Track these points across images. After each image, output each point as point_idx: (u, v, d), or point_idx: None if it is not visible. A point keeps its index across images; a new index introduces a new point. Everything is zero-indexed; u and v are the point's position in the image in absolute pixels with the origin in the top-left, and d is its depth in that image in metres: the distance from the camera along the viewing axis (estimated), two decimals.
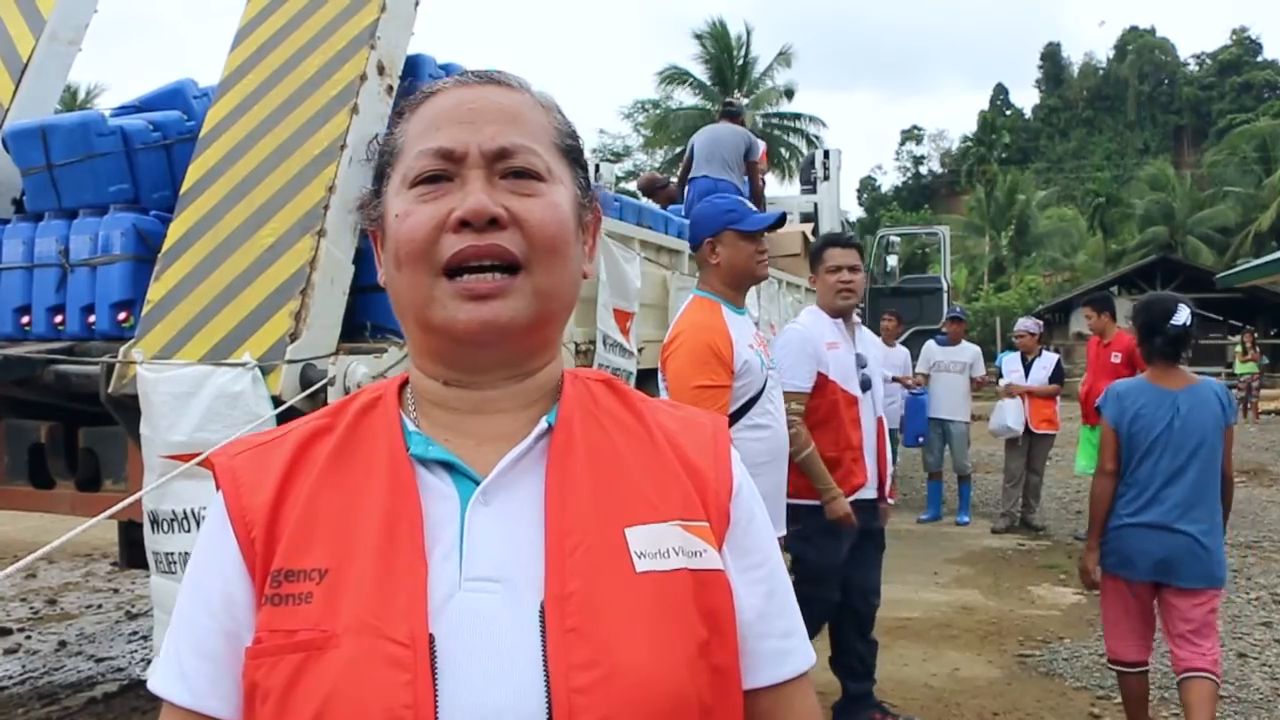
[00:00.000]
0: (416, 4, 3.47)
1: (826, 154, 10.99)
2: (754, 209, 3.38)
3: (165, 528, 2.87)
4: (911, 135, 68.59)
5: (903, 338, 9.58)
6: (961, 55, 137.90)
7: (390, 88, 3.29)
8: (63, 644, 5.16)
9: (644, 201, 7.44)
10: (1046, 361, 8.18)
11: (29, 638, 5.29)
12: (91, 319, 3.43)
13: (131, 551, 4.59)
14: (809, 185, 11.09)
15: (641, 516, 0.82)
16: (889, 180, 68.10)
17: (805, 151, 28.06)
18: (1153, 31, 68.54)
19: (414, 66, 3.55)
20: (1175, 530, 3.35)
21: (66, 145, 3.54)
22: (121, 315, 3.37)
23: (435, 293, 0.82)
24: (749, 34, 32.91)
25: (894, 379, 8.02)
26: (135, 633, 5.37)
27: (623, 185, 17.13)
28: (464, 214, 0.81)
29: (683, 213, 6.48)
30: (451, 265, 0.81)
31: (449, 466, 0.83)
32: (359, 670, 0.73)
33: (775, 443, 3.19)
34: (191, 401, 2.82)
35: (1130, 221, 39.92)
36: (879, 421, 3.84)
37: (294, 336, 2.89)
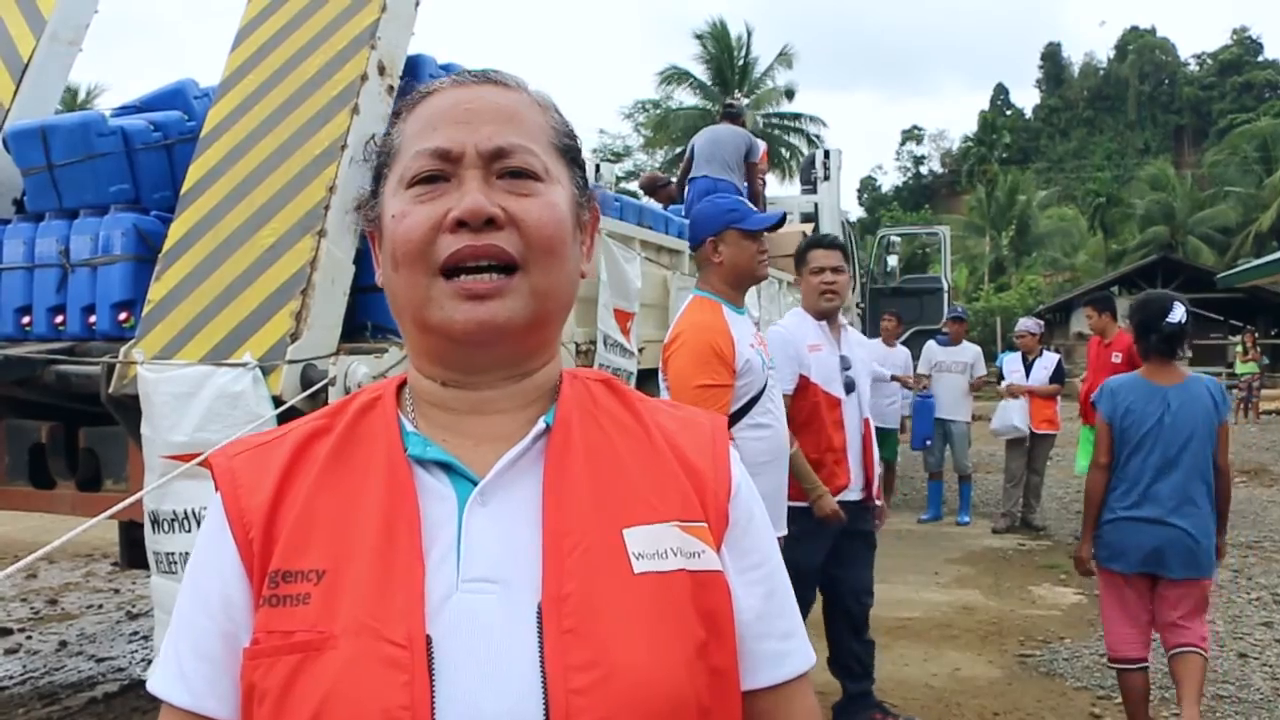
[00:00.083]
0: (417, 4, 3.47)
1: (827, 154, 10.96)
2: (755, 209, 3.38)
3: (166, 528, 2.87)
4: (912, 135, 68.67)
5: (903, 338, 9.57)
6: (962, 55, 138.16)
7: (391, 88, 3.30)
8: (63, 644, 5.16)
9: (645, 201, 7.43)
10: (1047, 361, 8.18)
11: (30, 638, 5.29)
12: (92, 319, 3.43)
13: (132, 551, 4.59)
14: (809, 185, 11.07)
15: (640, 517, 0.82)
16: (889, 180, 68.29)
17: (805, 151, 28.03)
18: (1153, 31, 68.62)
19: (414, 66, 3.55)
20: (1167, 524, 3.41)
21: (67, 145, 3.54)
22: (122, 315, 3.37)
23: (432, 293, 0.82)
24: (749, 34, 32.99)
25: (893, 378, 8.02)
26: (136, 633, 5.37)
27: (623, 185, 17.12)
28: (461, 214, 0.80)
29: (682, 213, 6.48)
30: (448, 265, 0.81)
31: (447, 467, 0.83)
32: (356, 671, 0.73)
33: (776, 442, 3.19)
34: (192, 402, 2.82)
35: (1131, 221, 39.94)
36: (865, 423, 3.83)
37: (295, 337, 2.89)
